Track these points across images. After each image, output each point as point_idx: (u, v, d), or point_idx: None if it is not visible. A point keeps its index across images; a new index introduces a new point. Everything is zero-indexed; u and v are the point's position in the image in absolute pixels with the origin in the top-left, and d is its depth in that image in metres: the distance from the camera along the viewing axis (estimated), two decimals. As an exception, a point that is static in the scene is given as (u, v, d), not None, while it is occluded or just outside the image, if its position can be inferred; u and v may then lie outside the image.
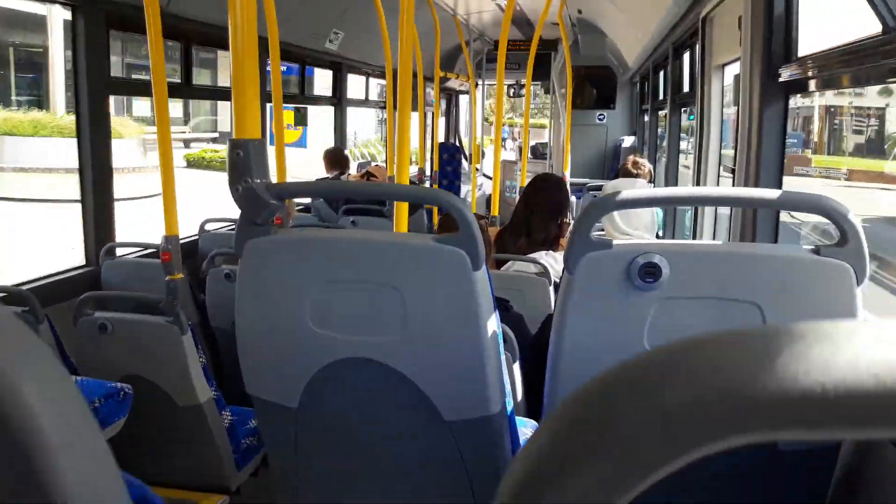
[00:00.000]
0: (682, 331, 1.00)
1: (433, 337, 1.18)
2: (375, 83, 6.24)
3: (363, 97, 6.08)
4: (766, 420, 0.19)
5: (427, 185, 5.89)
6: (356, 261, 1.20)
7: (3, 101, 12.44)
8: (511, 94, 8.11)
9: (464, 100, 9.34)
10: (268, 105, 3.46)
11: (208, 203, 4.32)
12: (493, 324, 1.19)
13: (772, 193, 1.11)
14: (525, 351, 1.73)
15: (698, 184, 3.40)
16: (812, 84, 1.99)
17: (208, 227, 3.41)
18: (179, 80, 3.55)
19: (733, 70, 3.11)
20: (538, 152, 8.10)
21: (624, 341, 1.09)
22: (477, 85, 7.49)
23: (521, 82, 7.65)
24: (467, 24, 6.66)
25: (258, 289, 1.24)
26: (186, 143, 15.72)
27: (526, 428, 1.59)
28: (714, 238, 3.38)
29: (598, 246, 1.10)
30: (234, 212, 1.31)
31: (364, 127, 14.48)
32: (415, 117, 5.23)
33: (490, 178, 6.40)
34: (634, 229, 3.36)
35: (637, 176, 3.89)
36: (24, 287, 2.32)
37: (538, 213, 2.66)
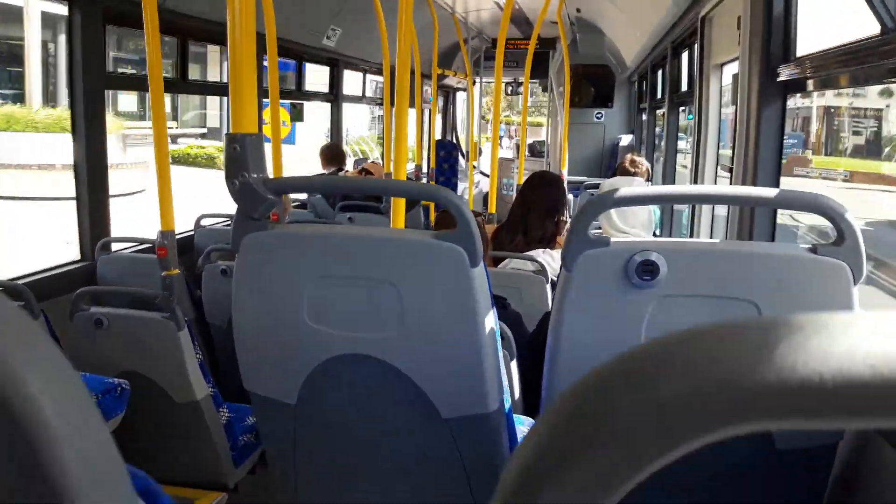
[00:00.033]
0: (680, 329, 1.00)
1: (431, 333, 1.18)
2: (370, 80, 6.24)
3: (359, 94, 6.07)
4: (763, 410, 0.20)
5: (424, 182, 5.89)
6: (354, 256, 1.19)
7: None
8: (508, 92, 8.11)
9: (461, 97, 9.35)
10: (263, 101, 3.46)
11: (191, 201, 4.28)
12: (491, 321, 1.19)
13: (769, 192, 1.11)
14: (522, 349, 1.73)
15: (696, 183, 3.40)
16: (810, 84, 2.00)
17: (204, 222, 3.40)
18: (175, 76, 3.53)
19: (732, 69, 3.12)
20: (535, 150, 8.11)
21: (621, 339, 1.09)
22: (474, 82, 7.49)
23: (519, 80, 7.65)
24: (466, 21, 6.66)
25: (256, 284, 1.24)
26: (174, 138, 15.62)
27: (523, 426, 1.59)
28: (711, 237, 3.38)
29: (595, 243, 1.10)
30: (228, 208, 1.30)
31: (356, 124, 14.45)
32: (412, 114, 5.24)
33: (487, 176, 6.41)
34: (631, 227, 3.36)
35: (634, 174, 3.89)
36: (20, 281, 2.31)
37: (535, 210, 2.66)
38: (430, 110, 7.17)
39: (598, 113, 8.04)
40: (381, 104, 4.48)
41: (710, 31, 3.28)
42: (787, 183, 2.25)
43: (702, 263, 1.09)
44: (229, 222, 3.53)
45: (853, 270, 1.04)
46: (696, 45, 3.52)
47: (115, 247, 2.77)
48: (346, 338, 1.22)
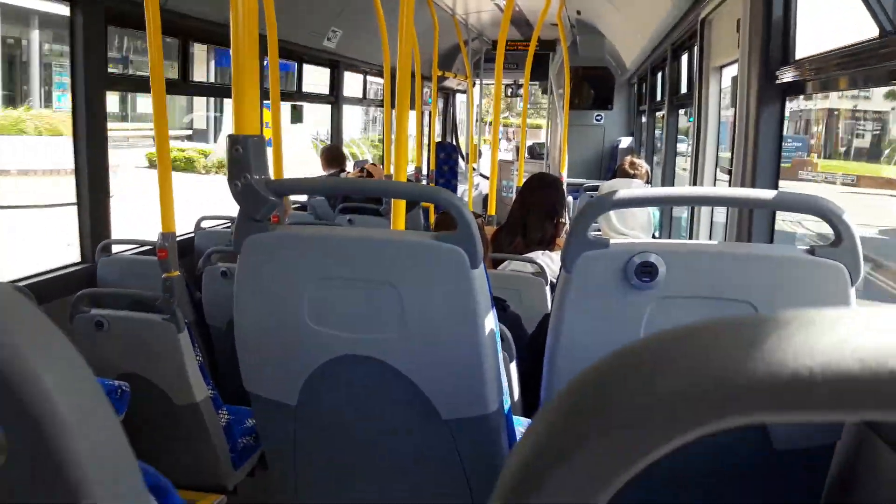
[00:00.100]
0: None
1: (431, 335, 1.19)
2: (369, 81, 6.24)
3: (359, 96, 6.08)
4: (756, 403, 0.20)
5: (424, 183, 5.90)
6: (354, 258, 1.20)
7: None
8: (508, 94, 8.12)
9: (460, 99, 9.35)
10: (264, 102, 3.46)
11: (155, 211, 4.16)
12: (491, 322, 1.19)
13: (768, 194, 1.12)
14: (522, 350, 1.74)
15: (695, 185, 3.41)
16: (809, 86, 2.00)
17: (204, 224, 3.40)
18: (177, 77, 3.54)
19: (731, 72, 3.12)
20: (535, 152, 8.11)
21: (620, 340, 1.08)
22: (475, 84, 7.49)
23: (519, 82, 7.65)
24: (466, 23, 6.66)
25: (257, 285, 1.24)
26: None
27: (523, 427, 1.60)
28: (710, 239, 3.39)
29: (595, 245, 1.11)
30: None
31: (350, 126, 14.37)
32: (412, 116, 5.24)
33: (487, 178, 6.41)
34: (630, 229, 3.36)
35: (634, 176, 3.89)
36: (20, 283, 2.31)
37: (534, 212, 2.66)
38: (430, 112, 7.18)
39: (598, 115, 8.04)
40: (382, 106, 4.48)
41: (710, 34, 3.29)
42: (792, 187, 2.26)
43: (700, 265, 1.09)
44: (229, 224, 3.53)
45: (850, 272, 1.04)
46: (695, 48, 3.53)
47: (115, 248, 2.77)
48: (346, 339, 1.22)
